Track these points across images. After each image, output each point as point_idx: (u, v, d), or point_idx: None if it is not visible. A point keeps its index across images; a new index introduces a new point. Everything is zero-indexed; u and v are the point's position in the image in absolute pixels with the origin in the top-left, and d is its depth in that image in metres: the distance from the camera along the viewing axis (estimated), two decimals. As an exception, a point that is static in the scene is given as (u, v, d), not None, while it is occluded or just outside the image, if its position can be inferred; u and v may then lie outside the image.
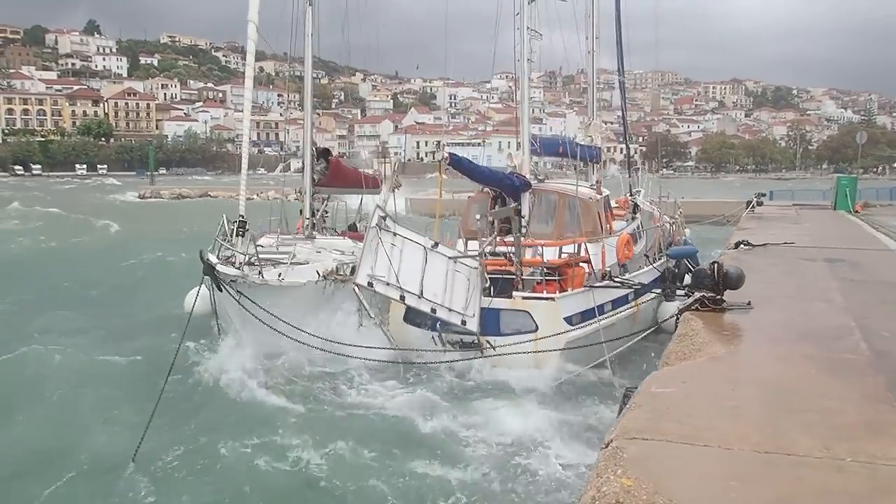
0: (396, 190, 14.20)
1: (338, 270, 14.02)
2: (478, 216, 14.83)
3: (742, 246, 15.81)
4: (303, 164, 17.75)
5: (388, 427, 10.49)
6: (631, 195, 21.71)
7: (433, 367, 12.87)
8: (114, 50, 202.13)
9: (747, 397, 5.87)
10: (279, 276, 12.38)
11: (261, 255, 12.46)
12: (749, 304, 9.28)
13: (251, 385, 11.68)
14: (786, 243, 16.52)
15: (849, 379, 6.35)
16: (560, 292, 13.14)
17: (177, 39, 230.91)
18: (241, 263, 12.13)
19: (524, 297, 13.02)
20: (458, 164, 15.40)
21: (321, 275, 13.39)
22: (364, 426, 10.48)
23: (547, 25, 17.72)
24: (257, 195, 63.99)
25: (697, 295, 9.37)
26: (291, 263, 12.96)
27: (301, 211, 18.04)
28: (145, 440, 9.37)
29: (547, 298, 12.93)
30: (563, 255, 13.92)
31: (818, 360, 6.93)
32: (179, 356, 11.16)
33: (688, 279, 14.29)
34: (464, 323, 12.42)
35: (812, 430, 5.11)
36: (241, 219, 12.59)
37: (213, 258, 11.74)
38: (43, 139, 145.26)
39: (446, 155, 15.15)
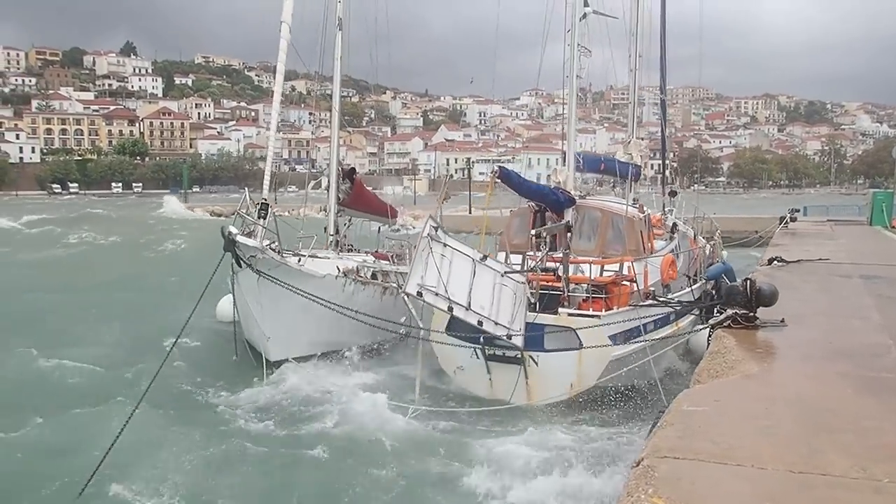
0: (446, 202, 14.25)
1: (358, 271, 14.04)
2: (532, 232, 14.84)
3: (776, 262, 15.62)
4: (329, 181, 17.94)
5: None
6: (664, 213, 21.56)
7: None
8: (149, 70, 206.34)
9: (781, 416, 5.77)
10: (298, 261, 12.44)
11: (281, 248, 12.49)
12: (783, 321, 9.15)
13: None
14: (820, 259, 16.28)
15: (886, 398, 6.22)
16: (606, 310, 13.08)
17: (210, 60, 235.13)
18: (261, 239, 12.14)
19: (569, 314, 12.95)
20: (507, 177, 15.45)
21: (341, 270, 13.37)
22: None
23: (581, 41, 17.68)
24: (288, 212, 65.44)
25: (730, 312, 9.26)
26: (310, 256, 13.04)
27: (325, 228, 18.21)
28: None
29: (592, 316, 12.85)
30: (607, 274, 13.86)
31: (854, 378, 6.81)
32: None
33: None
34: (509, 337, 12.33)
35: (848, 450, 5.01)
36: (263, 201, 12.68)
37: (233, 229, 11.73)
38: (80, 158, 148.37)
39: (496, 169, 15.22)
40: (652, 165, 25.60)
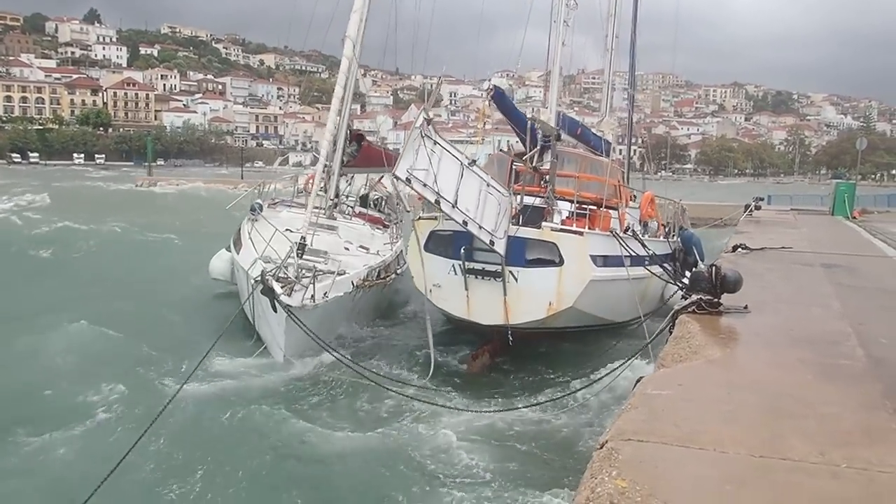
0: (438, 105, 14.33)
1: (367, 278, 14.11)
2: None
3: (740, 249, 15.79)
4: (335, 145, 17.84)
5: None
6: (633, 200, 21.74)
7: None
8: (114, 39, 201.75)
9: (743, 401, 5.84)
10: (324, 295, 12.49)
11: (308, 269, 12.55)
12: (746, 307, 9.25)
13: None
14: (783, 248, 16.51)
15: (845, 385, 6.33)
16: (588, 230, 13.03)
17: (177, 30, 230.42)
18: (293, 282, 12.25)
19: (552, 229, 12.82)
20: (500, 98, 15.34)
21: (355, 285, 13.53)
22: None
23: (545, 26, 17.72)
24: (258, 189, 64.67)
25: (694, 297, 9.33)
26: (337, 275, 13.08)
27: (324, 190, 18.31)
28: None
29: (576, 232, 12.76)
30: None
31: (815, 365, 6.91)
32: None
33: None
34: (492, 243, 12.13)
35: (808, 435, 5.09)
36: (302, 241, 12.82)
37: (276, 287, 11.84)
38: (41, 128, 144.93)
39: (491, 87, 15.08)
40: (619, 150, 25.78)
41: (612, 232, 13.33)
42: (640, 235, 14.60)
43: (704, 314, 8.99)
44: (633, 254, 13.80)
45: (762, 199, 35.77)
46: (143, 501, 8.35)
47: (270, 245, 13.08)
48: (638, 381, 6.34)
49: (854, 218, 29.86)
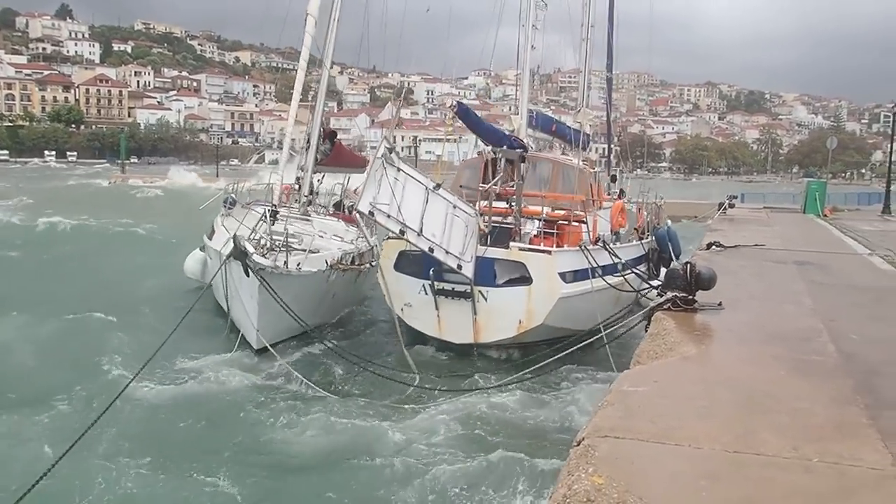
0: (398, 127, 14.35)
1: (341, 260, 14.10)
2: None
3: (714, 247, 15.96)
4: (308, 143, 17.91)
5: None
6: (623, 194, 21.83)
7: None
8: (86, 35, 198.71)
9: (718, 397, 5.91)
10: (297, 265, 12.51)
11: (280, 237, 12.68)
12: (720, 304, 9.36)
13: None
14: (756, 245, 16.71)
15: (817, 380, 6.43)
16: (556, 248, 13.09)
17: (151, 27, 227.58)
18: (266, 250, 12.32)
19: (521, 249, 12.88)
20: (465, 115, 15.39)
21: (328, 265, 13.44)
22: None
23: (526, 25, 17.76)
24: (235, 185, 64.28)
25: (670, 294, 9.41)
26: (309, 252, 13.11)
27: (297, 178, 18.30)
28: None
29: (544, 251, 12.83)
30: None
31: (787, 361, 7.01)
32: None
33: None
34: (459, 267, 12.20)
35: (781, 430, 5.15)
36: (273, 207, 13.11)
37: (249, 246, 11.83)
38: (11, 124, 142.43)
39: (455, 103, 15.15)
40: (596, 149, 25.96)
41: (581, 246, 13.41)
42: (611, 244, 14.68)
43: (680, 311, 9.08)
44: (604, 265, 13.93)
45: (735, 198, 36.20)
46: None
47: (244, 224, 13.04)
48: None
49: (825, 216, 30.29)
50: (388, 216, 11.65)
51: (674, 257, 16.93)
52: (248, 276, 12.01)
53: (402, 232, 11.81)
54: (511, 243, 12.95)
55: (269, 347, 12.45)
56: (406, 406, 11.02)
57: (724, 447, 4.81)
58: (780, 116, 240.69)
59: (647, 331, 8.72)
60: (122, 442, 9.40)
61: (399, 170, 11.98)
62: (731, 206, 32.32)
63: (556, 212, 14.11)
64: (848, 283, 12.36)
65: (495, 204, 13.95)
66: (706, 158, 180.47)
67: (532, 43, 17.37)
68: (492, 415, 10.82)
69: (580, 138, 20.50)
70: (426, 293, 12.95)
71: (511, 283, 12.79)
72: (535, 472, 8.89)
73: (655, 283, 13.85)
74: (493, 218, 13.57)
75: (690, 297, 9.26)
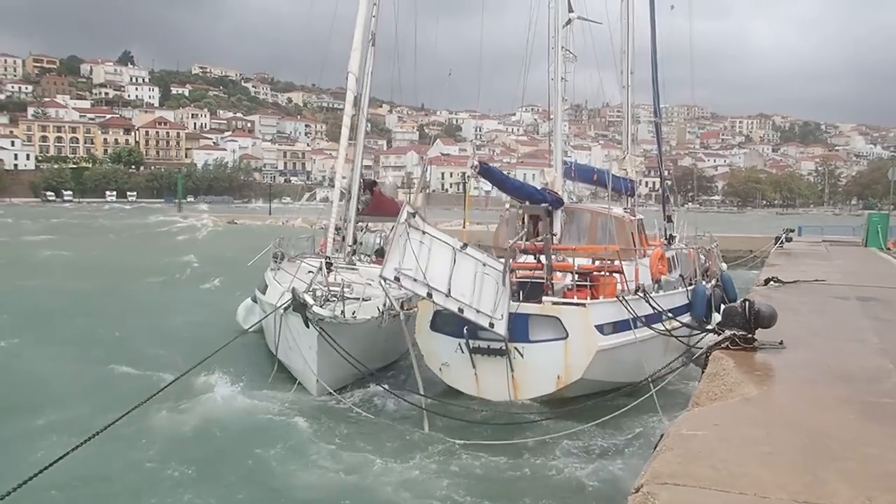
0: (424, 192, 14.33)
1: (391, 305, 14.21)
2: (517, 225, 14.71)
3: (772, 283, 15.55)
4: (350, 194, 18.22)
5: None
6: (666, 239, 21.32)
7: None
8: (146, 80, 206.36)
9: (783, 442, 5.66)
10: (353, 313, 12.69)
11: (336, 292, 12.89)
12: (781, 343, 9.05)
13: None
14: (817, 280, 16.23)
15: (887, 424, 6.12)
16: (591, 299, 12.88)
17: (208, 70, 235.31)
18: (323, 300, 12.54)
19: (554, 303, 12.73)
20: (487, 172, 15.29)
21: (380, 311, 13.55)
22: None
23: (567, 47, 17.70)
24: (283, 223, 65.71)
25: (728, 333, 9.15)
26: (362, 300, 13.20)
27: (335, 230, 18.53)
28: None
29: (577, 304, 12.65)
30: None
31: (855, 403, 6.71)
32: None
33: (717, 317, 14.02)
34: (491, 325, 12.06)
35: (852, 478, 4.90)
36: (327, 259, 13.53)
37: (308, 298, 12.05)
38: (75, 166, 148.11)
39: (476, 163, 15.04)
40: (646, 183, 25.70)
41: (618, 297, 13.18)
42: (653, 292, 14.36)
43: (738, 350, 8.81)
44: (645, 314, 13.63)
45: (792, 231, 35.29)
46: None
47: (297, 277, 13.20)
48: (661, 436, 6.12)
49: (888, 249, 29.31)
50: (415, 280, 11.64)
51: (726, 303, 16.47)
52: (307, 326, 12.17)
53: (429, 294, 11.79)
54: (544, 297, 12.82)
55: (332, 392, 12.67)
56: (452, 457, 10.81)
57: (792, 497, 4.58)
58: (837, 147, 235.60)
59: (703, 371, 8.46)
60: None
61: (424, 232, 12.00)
62: (789, 239, 31.51)
63: (588, 263, 13.89)
64: (916, 319, 11.87)
65: (524, 259, 13.87)
66: (760, 191, 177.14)
67: (563, 95, 17.28)
68: (542, 462, 10.55)
69: (625, 186, 20.23)
70: (462, 351, 12.89)
71: (547, 338, 12.65)
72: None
73: (705, 329, 13.50)
74: (524, 272, 13.49)
75: (750, 335, 8.99)
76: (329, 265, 13.24)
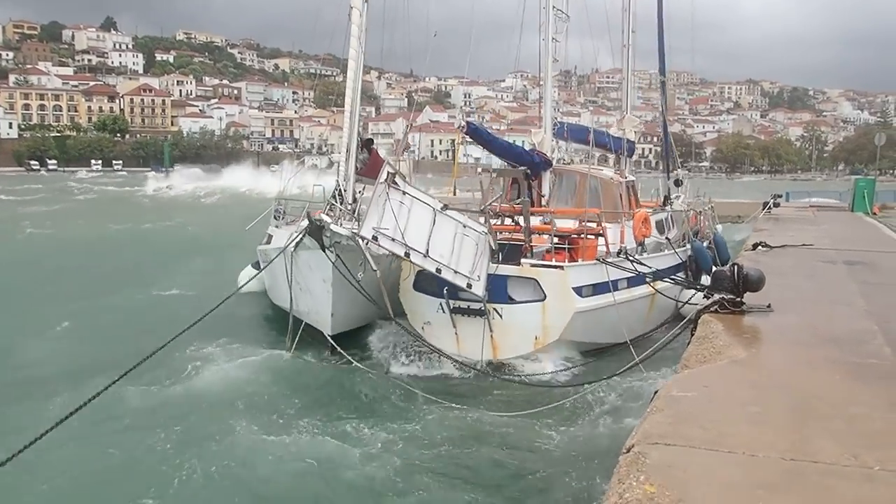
0: (406, 152, 14.19)
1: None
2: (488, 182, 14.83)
3: (760, 247, 15.63)
4: (347, 152, 17.92)
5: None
6: (668, 201, 21.33)
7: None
8: (130, 46, 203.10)
9: (771, 402, 5.75)
10: (366, 243, 12.37)
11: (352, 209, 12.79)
12: (769, 306, 9.13)
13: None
14: (804, 245, 16.32)
15: (874, 384, 6.22)
16: (570, 262, 12.99)
17: (193, 36, 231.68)
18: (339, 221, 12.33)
19: (532, 265, 12.85)
20: (475, 133, 15.34)
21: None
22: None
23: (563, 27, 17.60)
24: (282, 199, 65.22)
25: (717, 297, 9.22)
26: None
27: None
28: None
29: (555, 266, 12.77)
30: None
31: (842, 364, 6.80)
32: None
33: (706, 280, 14.13)
34: (469, 286, 12.22)
35: (839, 437, 4.99)
36: (339, 187, 12.93)
37: (325, 217, 11.93)
38: (59, 135, 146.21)
39: (463, 123, 15.07)
40: (641, 150, 25.61)
41: (599, 259, 13.24)
42: (637, 255, 14.42)
43: (727, 314, 8.89)
44: (629, 276, 13.71)
45: (780, 196, 35.40)
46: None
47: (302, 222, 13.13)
48: (655, 393, 6.20)
49: (874, 214, 29.47)
50: (393, 240, 11.72)
51: (717, 264, 16.59)
52: (323, 250, 12.05)
53: (406, 254, 11.89)
54: (523, 259, 12.88)
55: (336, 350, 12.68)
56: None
57: (780, 455, 4.67)
58: (825, 113, 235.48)
59: (692, 334, 8.54)
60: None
61: (405, 193, 12.01)
62: (776, 205, 31.60)
63: (567, 226, 13.93)
64: (902, 283, 11.99)
65: (501, 222, 13.94)
66: (748, 157, 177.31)
67: (555, 56, 17.17)
68: (529, 420, 10.71)
69: (623, 146, 20.17)
70: (443, 311, 13.01)
71: (525, 299, 12.74)
72: (582, 480, 8.76)
73: (694, 291, 13.63)
74: (504, 235, 13.55)
75: (738, 298, 9.06)
76: (341, 193, 12.87)
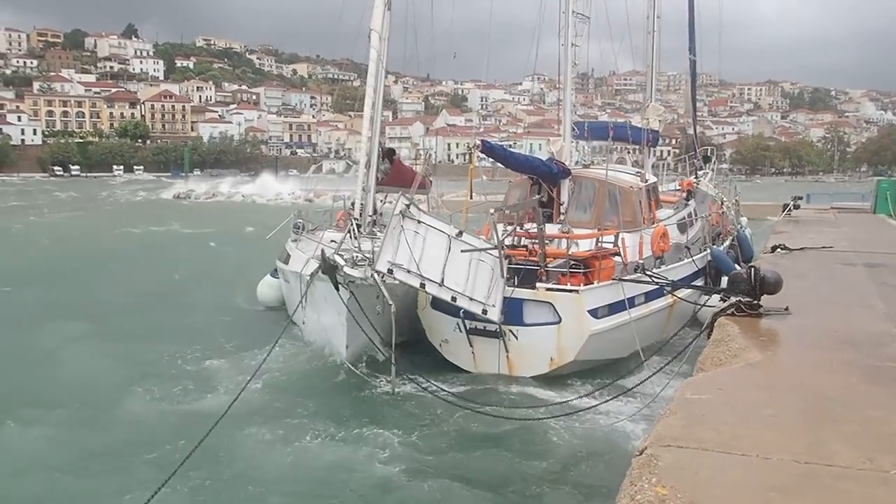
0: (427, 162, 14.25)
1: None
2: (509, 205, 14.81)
3: (779, 250, 15.51)
4: (369, 162, 17.95)
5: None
6: (696, 178, 21.33)
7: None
8: (151, 53, 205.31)
9: (786, 405, 5.71)
10: (382, 276, 12.39)
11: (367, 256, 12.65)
12: (787, 309, 9.07)
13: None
14: (824, 247, 16.17)
15: (891, 387, 6.16)
16: (586, 284, 12.99)
17: (212, 42, 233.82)
18: (353, 263, 12.36)
19: (548, 289, 12.89)
20: (490, 150, 15.33)
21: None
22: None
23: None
24: (290, 194, 65.80)
25: (733, 299, 9.17)
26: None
27: (352, 204, 18.44)
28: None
29: (570, 290, 12.79)
30: (599, 246, 13.80)
31: (859, 367, 6.74)
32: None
33: (724, 283, 14.07)
34: (484, 312, 12.26)
35: (854, 440, 4.95)
36: (356, 221, 13.29)
37: (339, 259, 11.94)
38: (81, 140, 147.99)
39: (478, 142, 15.08)
40: (658, 152, 25.55)
41: (616, 278, 13.25)
42: (654, 268, 14.41)
43: (744, 316, 8.83)
44: (645, 292, 13.72)
45: (801, 198, 35.05)
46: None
47: (322, 244, 13.06)
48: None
49: (897, 216, 29.11)
50: (408, 272, 11.76)
51: (741, 263, 16.48)
52: (337, 289, 12.09)
53: (422, 285, 11.93)
54: (538, 283, 12.92)
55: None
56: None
57: (794, 458, 4.64)
58: (847, 114, 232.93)
59: (709, 338, 8.51)
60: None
61: (419, 222, 12.04)
62: (797, 206, 31.29)
63: (584, 242, 13.94)
64: (923, 285, 11.84)
65: (515, 249, 13.96)
66: (769, 158, 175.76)
67: (574, 60, 17.12)
68: (545, 422, 10.72)
69: (647, 136, 20.04)
70: (460, 330, 13.12)
71: (540, 322, 12.79)
72: (595, 482, 8.75)
73: (711, 291, 13.60)
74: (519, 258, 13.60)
75: (755, 301, 9.00)
76: (358, 226, 13.01)
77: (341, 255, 12.20)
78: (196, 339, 15.30)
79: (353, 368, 12.80)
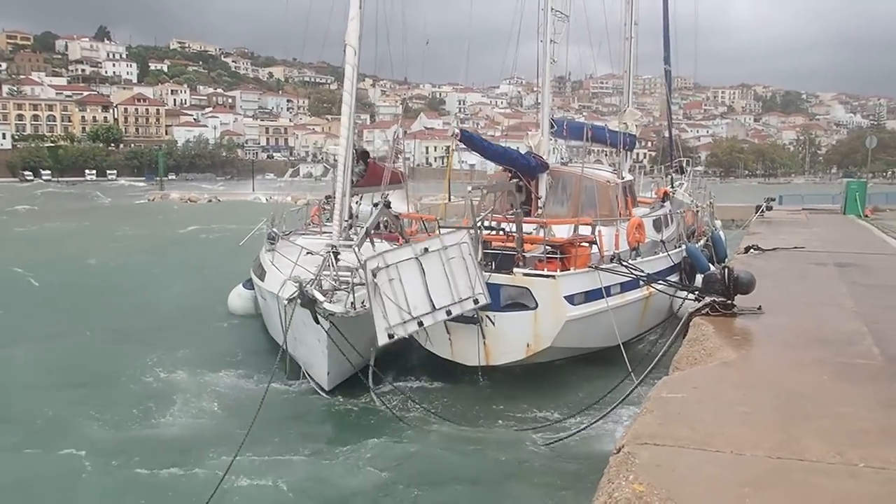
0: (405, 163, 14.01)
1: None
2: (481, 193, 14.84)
3: (752, 250, 15.76)
4: (343, 165, 17.77)
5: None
6: (672, 187, 21.56)
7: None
8: (124, 56, 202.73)
9: (759, 402, 5.84)
10: (362, 303, 12.34)
11: (346, 279, 12.58)
12: (760, 308, 9.24)
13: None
14: (796, 248, 16.46)
15: (861, 384, 6.31)
16: (562, 271, 13.08)
17: (186, 45, 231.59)
18: (332, 293, 12.32)
19: (524, 274, 12.95)
20: (469, 140, 15.40)
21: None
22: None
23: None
24: (266, 199, 65.46)
25: (708, 299, 9.32)
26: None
27: (326, 197, 18.23)
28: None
29: (547, 276, 12.87)
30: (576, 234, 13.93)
31: (830, 365, 6.89)
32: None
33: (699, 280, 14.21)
34: (476, 302, 12.20)
35: (825, 435, 5.08)
36: (335, 250, 12.92)
37: (318, 295, 11.75)
38: (52, 145, 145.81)
39: (457, 131, 15.11)
40: (635, 154, 25.72)
41: (592, 266, 13.35)
42: (630, 258, 14.56)
43: (718, 316, 8.99)
44: (622, 281, 13.82)
45: (773, 200, 35.57)
46: None
47: (299, 265, 12.82)
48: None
49: (866, 216, 29.66)
50: (404, 323, 11.65)
51: (715, 263, 16.69)
52: (316, 322, 11.96)
53: (420, 324, 11.81)
54: (515, 269, 12.99)
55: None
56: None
57: (767, 453, 4.75)
58: (818, 116, 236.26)
59: (684, 337, 8.63)
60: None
61: (388, 266, 11.76)
62: (769, 208, 31.78)
63: (562, 231, 14.05)
64: (891, 284, 12.11)
65: (492, 233, 14.03)
66: (742, 161, 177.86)
67: (553, 57, 17.26)
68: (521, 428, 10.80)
69: (622, 140, 20.23)
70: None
71: (517, 307, 12.84)
72: (572, 481, 8.83)
73: (688, 293, 13.76)
74: (496, 244, 13.66)
75: (729, 301, 9.16)
76: (336, 255, 12.83)
77: (318, 286, 12.03)
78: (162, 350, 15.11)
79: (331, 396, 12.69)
